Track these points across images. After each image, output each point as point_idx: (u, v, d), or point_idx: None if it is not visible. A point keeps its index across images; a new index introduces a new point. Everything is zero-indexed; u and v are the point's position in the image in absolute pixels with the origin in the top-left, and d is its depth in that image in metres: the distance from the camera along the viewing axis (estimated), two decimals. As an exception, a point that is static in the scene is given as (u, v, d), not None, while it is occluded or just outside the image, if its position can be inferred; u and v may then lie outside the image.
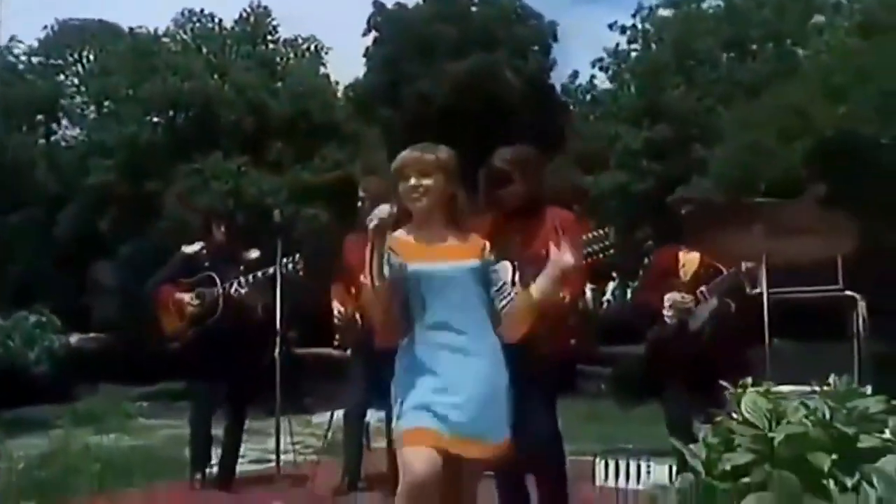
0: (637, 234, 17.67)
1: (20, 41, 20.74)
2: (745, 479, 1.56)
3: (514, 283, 2.67)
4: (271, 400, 5.47)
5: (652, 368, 3.92)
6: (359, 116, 19.41)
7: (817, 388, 1.72)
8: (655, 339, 3.64)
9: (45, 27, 21.68)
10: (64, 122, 22.40)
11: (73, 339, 18.10)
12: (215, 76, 17.81)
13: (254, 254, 4.31)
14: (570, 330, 3.28)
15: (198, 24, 18.59)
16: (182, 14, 18.80)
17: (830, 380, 1.72)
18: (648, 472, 3.11)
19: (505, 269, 2.53)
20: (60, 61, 21.85)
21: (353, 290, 4.28)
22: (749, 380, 1.82)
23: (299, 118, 17.13)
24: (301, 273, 4.17)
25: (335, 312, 4.34)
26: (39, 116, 21.29)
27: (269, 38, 19.64)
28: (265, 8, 19.56)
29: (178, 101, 16.61)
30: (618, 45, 20.90)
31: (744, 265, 3.35)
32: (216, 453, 4.83)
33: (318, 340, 4.92)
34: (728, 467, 1.59)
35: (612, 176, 19.38)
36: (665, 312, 3.51)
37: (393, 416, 2.45)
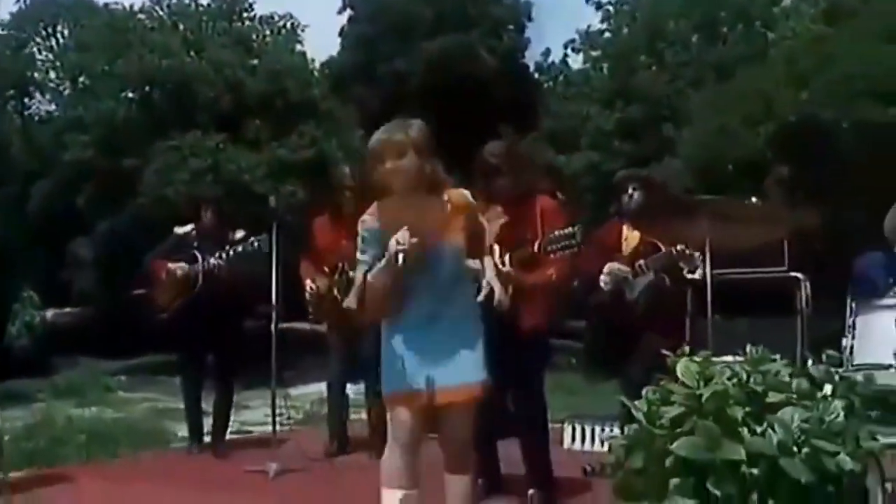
0: (609, 212, 18.08)
1: (-8, 14, 20.49)
2: (679, 429, 1.94)
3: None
4: (248, 374, 5.73)
5: (591, 335, 4.28)
6: (334, 94, 19.52)
7: (740, 357, 2.10)
8: (595, 307, 3.97)
9: (18, 0, 21.48)
10: (37, 96, 22.29)
11: (49, 314, 18.23)
12: (192, 53, 17.84)
13: (240, 234, 4.59)
14: (553, 303, 3.66)
15: (174, 1, 18.57)
16: (157, -10, 18.77)
17: (748, 349, 2.11)
18: (612, 435, 3.48)
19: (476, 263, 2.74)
20: (34, 35, 21.72)
21: (325, 269, 4.62)
22: (686, 349, 2.20)
23: (276, 96, 17.23)
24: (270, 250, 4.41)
25: (307, 289, 4.66)
26: (12, 91, 21.18)
27: (245, 14, 19.65)
28: (241, -16, 19.57)
29: (156, 78, 16.65)
30: (589, 26, 21.13)
31: (679, 246, 3.68)
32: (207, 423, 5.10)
33: (293, 316, 5.19)
34: (665, 419, 1.96)
35: (584, 156, 19.70)
36: (602, 278, 3.83)
37: (382, 380, 2.75)
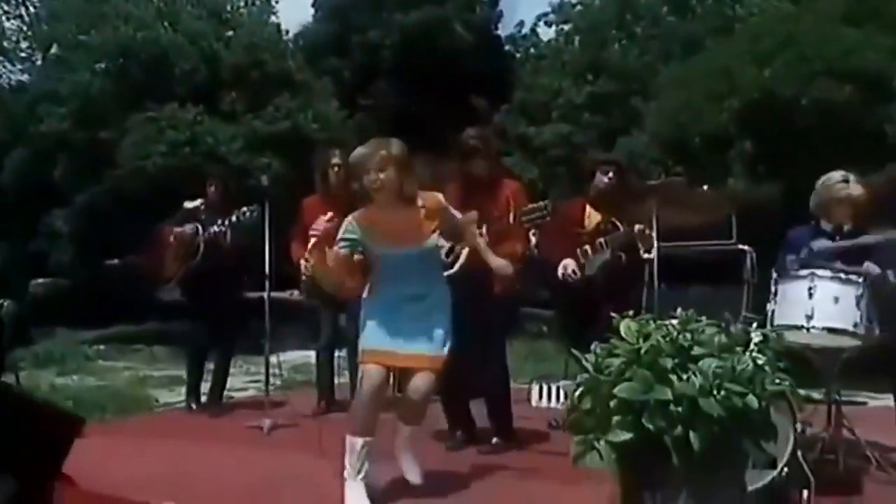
0: (577, 184, 18.48)
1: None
2: (621, 377, 2.38)
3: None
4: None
5: (557, 307, 4.73)
6: (307, 66, 19.64)
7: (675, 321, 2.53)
8: (558, 282, 4.40)
9: (-15, -32, 21.25)
10: (7, 65, 22.13)
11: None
12: (166, 24, 17.86)
13: (244, 209, 4.91)
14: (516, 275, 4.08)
15: (146, -29, 18.50)
16: (130, -40, 18.66)
17: (678, 311, 2.54)
18: (568, 383, 3.92)
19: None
20: (2, 4, 21.53)
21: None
22: (631, 312, 2.63)
23: (252, 68, 17.35)
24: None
25: (302, 268, 5.04)
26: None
27: (218, -16, 19.61)
28: (213, -46, 19.49)
29: (131, 50, 16.68)
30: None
31: (638, 226, 4.12)
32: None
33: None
34: (610, 369, 2.40)
35: (554, 127, 20.06)
36: (560, 272, 4.27)
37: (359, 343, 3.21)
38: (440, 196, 3.24)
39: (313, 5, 22.70)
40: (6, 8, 21.62)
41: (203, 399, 5.36)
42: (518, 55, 24.51)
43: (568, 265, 4.22)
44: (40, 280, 19.43)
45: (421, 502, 3.13)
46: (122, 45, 16.85)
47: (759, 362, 2.38)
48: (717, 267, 5.48)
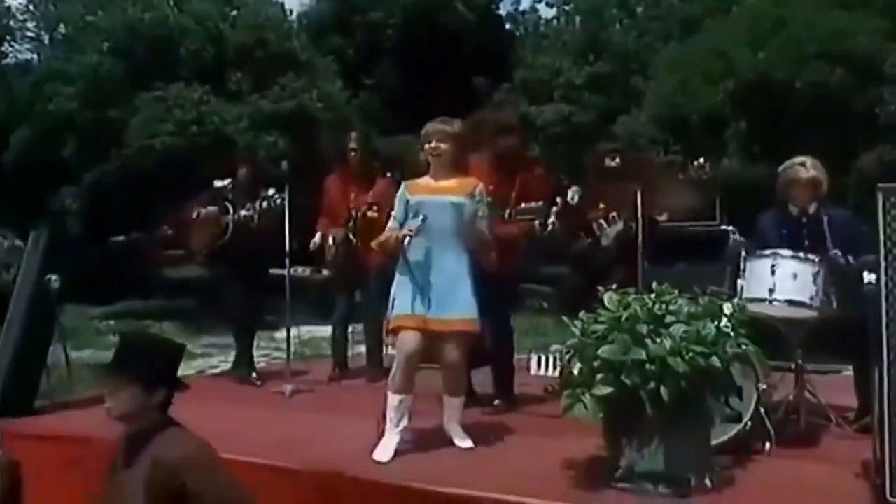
0: (580, 161, 18.81)
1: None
2: (604, 340, 2.79)
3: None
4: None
5: (571, 276, 5.14)
6: (311, 45, 19.84)
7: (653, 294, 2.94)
8: (576, 252, 4.81)
9: (-8, -52, 21.35)
10: (14, 45, 22.32)
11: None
12: (172, 4, 18.09)
13: (270, 191, 5.22)
14: (519, 253, 4.49)
15: (152, -48, 18.68)
16: (135, -60, 18.84)
17: (653, 285, 2.95)
18: (559, 348, 4.34)
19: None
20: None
21: (337, 221, 5.39)
22: (614, 286, 3.03)
23: (257, 48, 17.56)
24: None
25: (328, 241, 5.42)
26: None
27: (222, -36, 19.78)
28: (216, -68, 19.62)
29: (138, 31, 16.92)
30: (563, -22, 21.52)
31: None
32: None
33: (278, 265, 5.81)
34: (594, 333, 2.81)
35: (555, 107, 20.33)
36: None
37: (390, 310, 3.60)
38: (480, 184, 3.67)
39: (316, -16, 22.86)
40: (12, -14, 21.78)
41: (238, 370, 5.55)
42: (518, 34, 24.73)
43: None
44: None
45: (437, 453, 3.52)
46: (129, 25, 17.08)
47: (724, 329, 2.79)
48: (702, 245, 5.87)
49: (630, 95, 18.65)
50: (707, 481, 2.85)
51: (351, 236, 5.26)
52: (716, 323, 2.77)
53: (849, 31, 12.71)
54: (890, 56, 12.58)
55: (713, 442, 3.07)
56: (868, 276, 2.77)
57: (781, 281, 3.36)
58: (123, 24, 17.06)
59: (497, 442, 3.72)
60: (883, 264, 2.59)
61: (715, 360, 2.70)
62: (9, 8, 21.56)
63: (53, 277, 4.65)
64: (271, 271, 5.51)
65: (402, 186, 3.70)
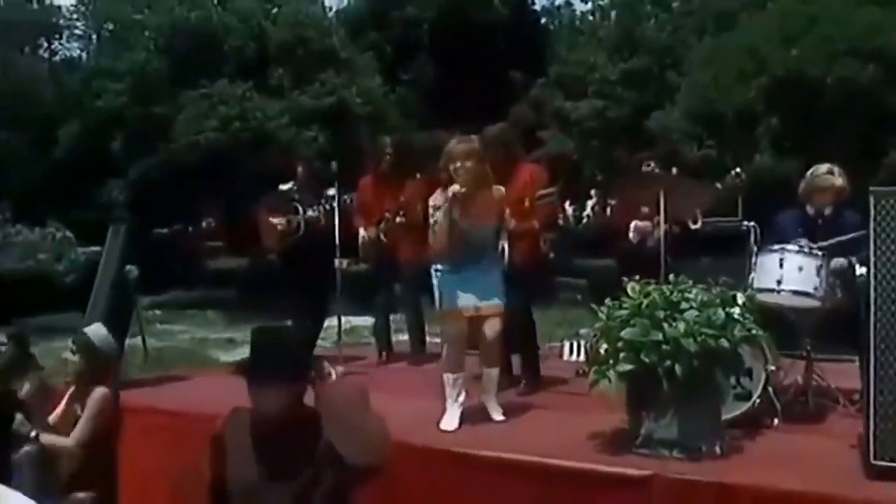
0: (613, 155, 19.06)
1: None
2: (626, 323, 3.20)
3: None
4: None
5: (622, 270, 5.53)
6: (349, 41, 20.23)
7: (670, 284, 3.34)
8: (624, 250, 5.19)
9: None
10: (63, 43, 23.17)
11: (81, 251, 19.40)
12: (216, 3, 18.63)
13: (331, 191, 5.66)
14: (546, 245, 4.89)
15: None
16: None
17: (671, 277, 3.35)
18: (586, 332, 4.74)
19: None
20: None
21: (370, 220, 5.83)
22: (637, 277, 3.44)
23: (298, 45, 17.99)
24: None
25: (361, 237, 5.88)
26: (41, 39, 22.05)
27: (263, -37, 20.25)
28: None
29: (184, 29, 17.45)
30: (599, -24, 21.66)
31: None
32: None
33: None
34: (619, 318, 3.22)
35: (590, 103, 20.56)
36: (630, 234, 5.07)
37: (437, 303, 4.05)
38: (501, 188, 4.05)
39: (354, -20, 23.25)
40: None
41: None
42: (552, 28, 24.94)
43: (637, 226, 5.03)
44: (98, 248, 20.38)
45: (477, 427, 3.97)
46: (175, 24, 17.63)
47: (734, 315, 3.17)
48: (725, 241, 6.23)
49: (664, 91, 18.81)
50: (717, 448, 3.24)
51: (382, 237, 5.71)
52: (727, 309, 3.15)
53: (880, 27, 12.83)
54: (922, 53, 12.69)
55: (725, 417, 3.45)
56: (860, 269, 3.13)
57: (788, 273, 3.72)
58: (170, 22, 17.66)
59: (532, 417, 4.15)
60: (872, 259, 2.95)
61: (724, 342, 3.09)
62: (59, 7, 22.42)
63: (132, 268, 5.09)
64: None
65: (437, 195, 3.99)
